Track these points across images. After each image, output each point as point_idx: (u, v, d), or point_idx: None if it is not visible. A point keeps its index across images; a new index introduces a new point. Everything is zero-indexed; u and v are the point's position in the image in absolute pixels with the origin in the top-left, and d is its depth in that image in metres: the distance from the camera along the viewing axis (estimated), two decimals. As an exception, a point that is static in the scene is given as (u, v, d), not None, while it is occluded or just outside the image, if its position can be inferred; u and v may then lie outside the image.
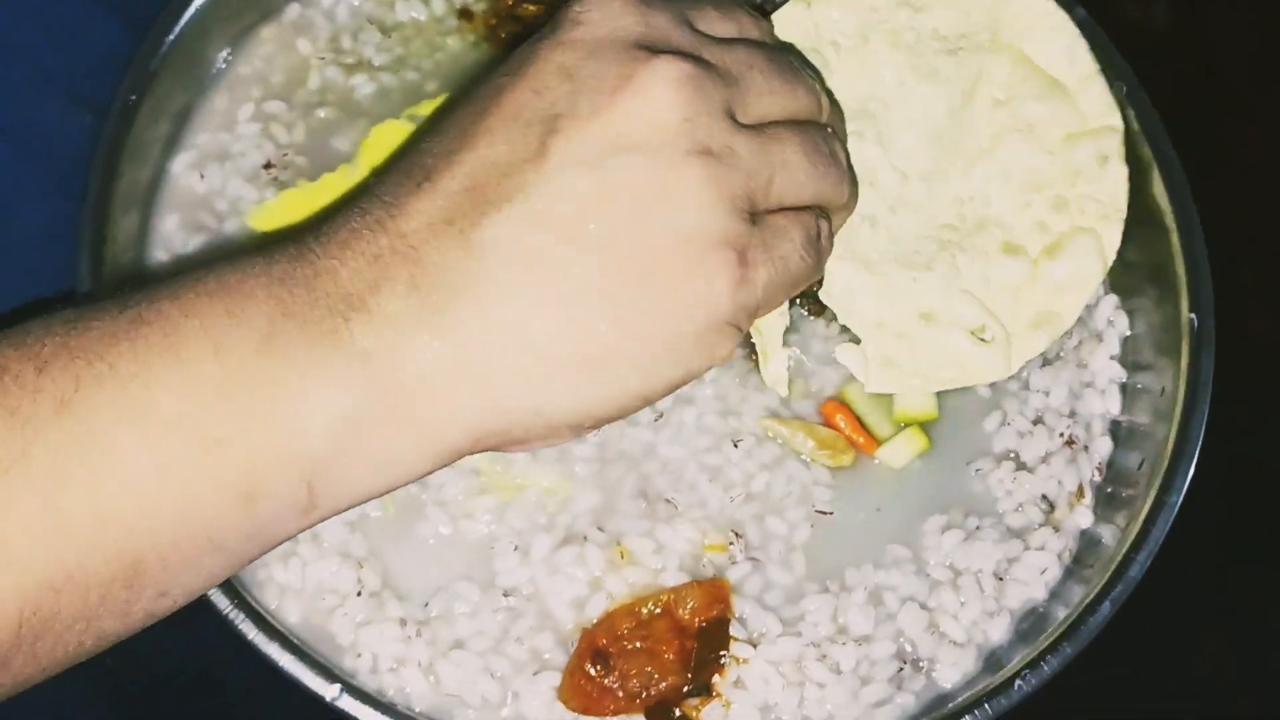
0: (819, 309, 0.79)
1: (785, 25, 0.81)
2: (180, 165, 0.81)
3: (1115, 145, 0.79)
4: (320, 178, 0.81)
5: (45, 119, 0.81)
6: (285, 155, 0.82)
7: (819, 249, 0.63)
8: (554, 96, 0.55)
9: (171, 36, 0.79)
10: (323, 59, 0.85)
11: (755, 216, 0.58)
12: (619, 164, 0.54)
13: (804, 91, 0.63)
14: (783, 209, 0.60)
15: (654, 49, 0.56)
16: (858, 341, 0.75)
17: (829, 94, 0.69)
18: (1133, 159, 0.80)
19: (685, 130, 0.55)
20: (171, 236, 0.80)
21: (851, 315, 0.75)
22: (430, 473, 0.55)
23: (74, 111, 0.79)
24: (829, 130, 0.65)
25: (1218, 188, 0.79)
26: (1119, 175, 0.79)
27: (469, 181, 0.54)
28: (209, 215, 0.80)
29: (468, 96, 0.58)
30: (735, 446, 0.75)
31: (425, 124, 0.65)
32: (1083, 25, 0.82)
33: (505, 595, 0.71)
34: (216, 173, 0.81)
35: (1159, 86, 0.81)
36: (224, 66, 0.84)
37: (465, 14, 0.88)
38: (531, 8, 0.88)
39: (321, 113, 0.83)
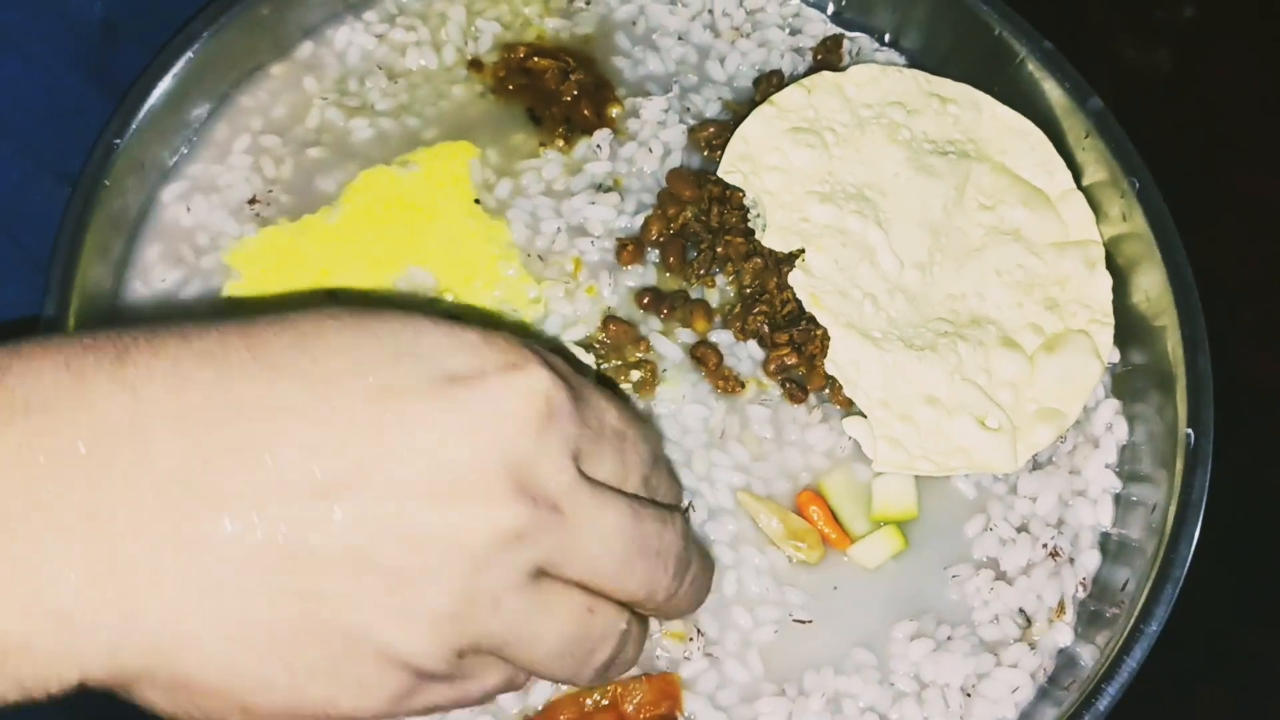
0: (801, 395, 0.73)
1: (786, 108, 0.76)
2: (170, 195, 0.77)
3: (1099, 254, 0.76)
4: (301, 218, 0.76)
5: (33, 199, 0.75)
6: (270, 191, 0.77)
7: (511, 687, 0.53)
8: (390, 450, 0.45)
9: (163, 83, 0.75)
10: (325, 99, 0.80)
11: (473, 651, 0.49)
12: (382, 556, 0.45)
13: (637, 587, 0.52)
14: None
15: (519, 484, 0.46)
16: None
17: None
18: (1141, 256, 0.74)
19: (466, 573, 0.46)
20: (150, 268, 0.75)
21: (856, 390, 0.70)
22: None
23: (61, 191, 0.74)
24: (624, 624, 0.54)
25: (1216, 228, 0.74)
26: (1105, 282, 0.76)
27: (236, 457, 0.44)
28: (189, 249, 0.75)
29: (329, 340, 0.48)
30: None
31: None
32: (1099, 115, 0.77)
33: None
34: (203, 205, 0.76)
35: (1160, 130, 0.77)
36: (226, 98, 0.80)
37: (475, 64, 0.83)
38: (543, 61, 0.83)
39: (313, 151, 0.78)
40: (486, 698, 0.53)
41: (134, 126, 0.73)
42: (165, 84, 0.74)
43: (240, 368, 0.46)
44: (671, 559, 0.54)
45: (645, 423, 0.54)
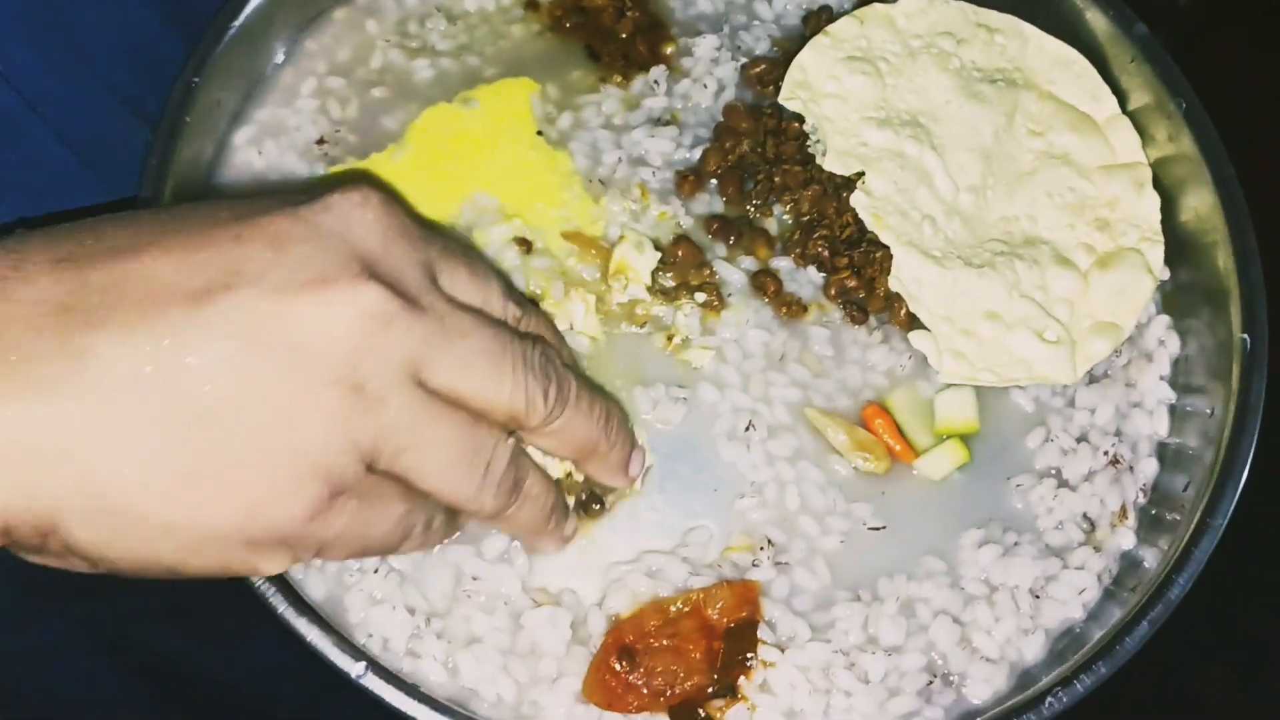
0: (861, 317, 0.73)
1: (840, 38, 0.76)
2: (241, 138, 0.77)
3: (1147, 175, 0.76)
4: (369, 156, 0.76)
5: (115, 137, 0.75)
6: (338, 131, 0.77)
7: (410, 536, 0.55)
8: (251, 254, 0.48)
9: (238, 21, 0.75)
10: (387, 41, 0.80)
11: (371, 468, 0.50)
12: (267, 354, 0.47)
13: (513, 391, 0.54)
14: (404, 480, 0.52)
15: (373, 271, 0.49)
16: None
17: (569, 402, 0.57)
18: (1190, 176, 0.74)
19: (346, 360, 0.48)
20: (224, 208, 0.75)
21: (920, 306, 0.70)
22: None
23: (140, 129, 0.74)
24: (512, 441, 0.56)
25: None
26: (1154, 202, 0.76)
27: (112, 281, 0.46)
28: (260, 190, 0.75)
29: (190, 204, 0.52)
30: (750, 429, 0.69)
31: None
32: (1143, 41, 0.77)
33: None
34: (273, 148, 0.76)
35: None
36: (294, 44, 0.80)
37: (532, 4, 0.83)
38: (598, 0, 0.83)
39: (377, 92, 0.78)
40: (390, 538, 0.53)
41: (210, 65, 0.73)
42: (237, 26, 0.74)
43: (110, 222, 0.49)
44: (552, 374, 0.55)
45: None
